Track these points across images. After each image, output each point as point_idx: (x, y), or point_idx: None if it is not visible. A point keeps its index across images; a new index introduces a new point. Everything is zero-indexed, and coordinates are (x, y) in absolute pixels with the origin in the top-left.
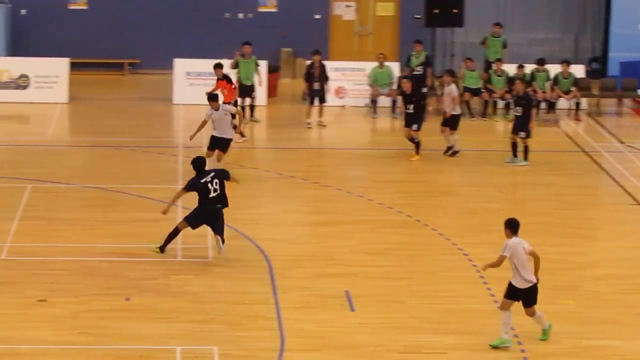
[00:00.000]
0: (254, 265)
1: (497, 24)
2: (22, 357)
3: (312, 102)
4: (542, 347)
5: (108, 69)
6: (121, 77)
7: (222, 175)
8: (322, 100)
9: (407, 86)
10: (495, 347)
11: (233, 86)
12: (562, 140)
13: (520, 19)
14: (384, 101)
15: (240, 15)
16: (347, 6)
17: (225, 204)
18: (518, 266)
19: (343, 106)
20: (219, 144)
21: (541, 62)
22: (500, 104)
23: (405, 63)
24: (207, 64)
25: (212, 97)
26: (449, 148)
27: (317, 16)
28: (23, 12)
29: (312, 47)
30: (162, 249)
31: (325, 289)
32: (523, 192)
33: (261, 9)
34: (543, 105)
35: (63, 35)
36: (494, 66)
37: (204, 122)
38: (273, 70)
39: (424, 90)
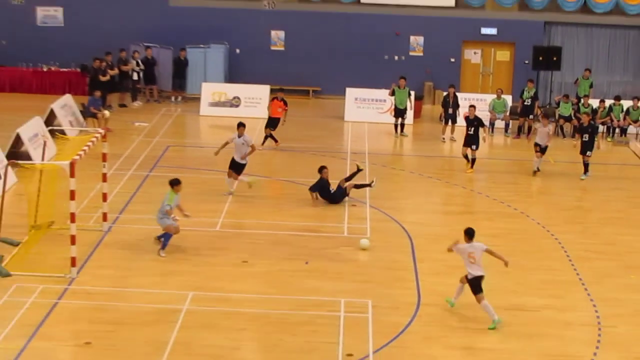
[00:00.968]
0: (400, 242)
1: (587, 69)
2: (230, 302)
3: (446, 123)
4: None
5: (297, 94)
6: (307, 100)
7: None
8: (454, 121)
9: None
10: (493, 328)
11: (286, 107)
12: (631, 157)
13: (603, 66)
14: (500, 124)
15: (396, 57)
16: (475, 53)
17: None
18: (465, 264)
19: None
20: (234, 167)
21: (618, 98)
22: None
23: (520, 95)
24: (371, 93)
25: (240, 124)
26: (538, 169)
27: (452, 59)
28: (237, 51)
29: (448, 82)
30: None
31: (452, 262)
32: (602, 195)
33: (412, 53)
34: (617, 130)
35: (265, 68)
36: (582, 100)
37: (227, 143)
38: (418, 98)
39: (531, 117)
